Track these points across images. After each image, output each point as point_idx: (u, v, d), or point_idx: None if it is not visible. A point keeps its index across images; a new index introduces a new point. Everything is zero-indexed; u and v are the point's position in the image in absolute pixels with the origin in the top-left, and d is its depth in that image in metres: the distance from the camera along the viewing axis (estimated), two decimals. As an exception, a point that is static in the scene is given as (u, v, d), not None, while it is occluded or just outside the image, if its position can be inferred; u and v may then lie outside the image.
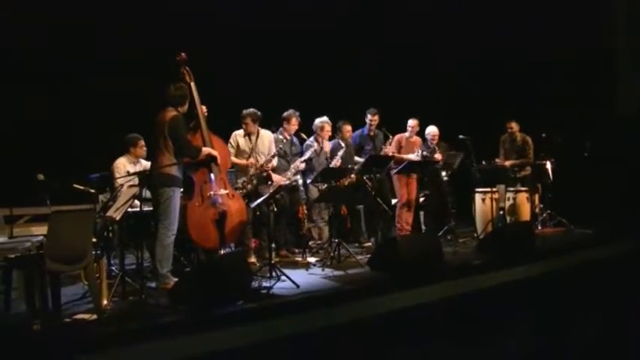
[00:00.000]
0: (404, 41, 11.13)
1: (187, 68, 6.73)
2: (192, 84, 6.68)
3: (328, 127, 8.61)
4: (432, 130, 9.56)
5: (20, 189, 7.44)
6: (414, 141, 9.26)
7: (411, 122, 9.26)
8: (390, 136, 9.09)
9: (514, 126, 10.23)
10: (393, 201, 9.11)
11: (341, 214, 8.27)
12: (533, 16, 10.99)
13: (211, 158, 6.63)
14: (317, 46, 10.61)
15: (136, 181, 6.28)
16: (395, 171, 8.81)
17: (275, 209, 7.17)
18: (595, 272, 7.28)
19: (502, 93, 11.63)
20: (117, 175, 7.09)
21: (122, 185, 6.50)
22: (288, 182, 7.77)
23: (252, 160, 7.61)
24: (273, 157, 7.76)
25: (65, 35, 9.06)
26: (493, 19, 11.05)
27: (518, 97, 11.60)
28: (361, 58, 11.23)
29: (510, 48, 11.27)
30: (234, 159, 7.60)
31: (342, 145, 8.62)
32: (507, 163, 9.97)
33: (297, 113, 8.23)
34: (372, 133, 9.30)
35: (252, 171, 7.58)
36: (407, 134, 9.26)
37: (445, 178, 9.20)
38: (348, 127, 8.96)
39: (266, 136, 7.86)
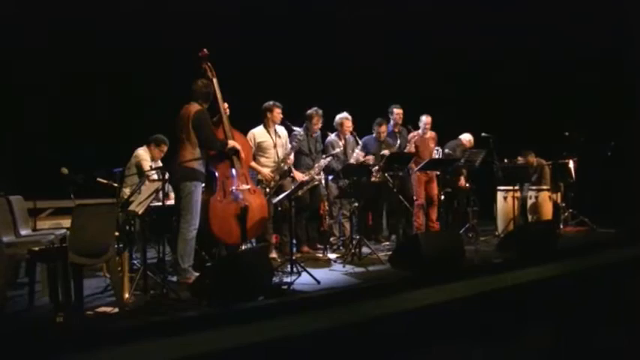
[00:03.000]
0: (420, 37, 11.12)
1: (209, 64, 6.73)
2: (215, 80, 6.68)
3: (348, 123, 8.54)
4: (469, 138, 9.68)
5: (44, 182, 7.54)
6: (429, 137, 9.19)
7: (424, 119, 9.15)
8: (413, 132, 9.03)
9: (531, 159, 9.97)
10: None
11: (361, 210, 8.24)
12: (557, 12, 10.93)
13: (234, 152, 6.64)
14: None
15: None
16: (415, 170, 8.72)
17: (296, 205, 7.18)
18: (617, 273, 7.23)
19: (525, 90, 11.61)
20: (146, 165, 7.14)
21: (143, 180, 6.54)
22: (310, 180, 7.73)
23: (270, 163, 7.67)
24: (291, 151, 7.77)
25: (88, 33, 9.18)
26: (516, 13, 11.00)
27: (542, 95, 11.57)
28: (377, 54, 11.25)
29: (534, 44, 11.24)
30: (253, 164, 7.54)
31: (359, 141, 8.58)
32: None
33: (321, 112, 8.18)
34: (396, 129, 9.17)
35: (273, 167, 7.61)
36: (420, 131, 9.13)
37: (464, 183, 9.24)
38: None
39: (281, 131, 7.87)
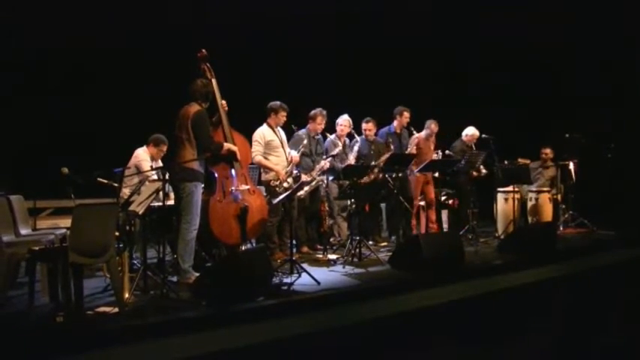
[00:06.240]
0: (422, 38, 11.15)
1: (208, 64, 6.70)
2: (214, 80, 6.66)
3: (345, 123, 8.50)
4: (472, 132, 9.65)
5: (44, 182, 7.53)
6: (431, 140, 9.18)
7: (433, 127, 9.12)
8: (416, 134, 9.03)
9: (549, 152, 10.13)
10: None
11: (364, 211, 8.24)
12: (559, 14, 10.94)
13: (231, 154, 6.63)
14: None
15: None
16: (415, 171, 8.70)
17: (295, 206, 7.15)
18: (617, 274, 7.24)
19: (528, 92, 11.60)
20: (145, 165, 7.14)
21: (144, 180, 6.53)
22: (312, 180, 7.70)
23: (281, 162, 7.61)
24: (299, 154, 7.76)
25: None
26: (518, 17, 11.00)
27: (545, 96, 11.57)
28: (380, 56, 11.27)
29: (535, 46, 11.25)
30: (262, 159, 7.53)
31: (357, 139, 8.54)
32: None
33: (325, 112, 8.14)
34: (398, 131, 9.17)
35: (288, 167, 7.57)
36: (424, 135, 9.12)
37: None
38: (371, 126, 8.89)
39: (281, 131, 7.86)
